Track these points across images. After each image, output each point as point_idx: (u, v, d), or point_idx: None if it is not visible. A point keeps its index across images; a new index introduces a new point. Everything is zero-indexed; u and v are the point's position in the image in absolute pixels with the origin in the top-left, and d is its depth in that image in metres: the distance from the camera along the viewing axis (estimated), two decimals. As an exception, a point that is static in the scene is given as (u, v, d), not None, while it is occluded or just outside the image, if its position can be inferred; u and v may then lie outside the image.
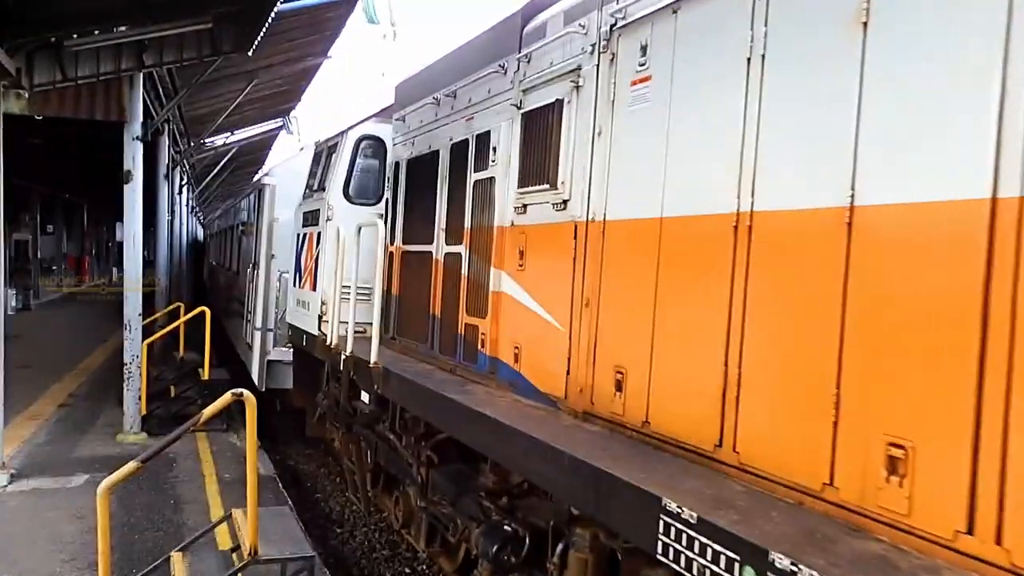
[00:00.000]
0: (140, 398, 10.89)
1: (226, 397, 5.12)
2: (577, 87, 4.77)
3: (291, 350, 10.84)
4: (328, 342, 7.31)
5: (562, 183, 4.83)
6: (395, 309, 7.29)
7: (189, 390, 12.31)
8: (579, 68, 4.76)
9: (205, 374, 12.20)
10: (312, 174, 9.49)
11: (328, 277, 7.94)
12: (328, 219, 8.28)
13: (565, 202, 4.81)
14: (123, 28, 9.14)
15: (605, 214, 4.46)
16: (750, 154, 3.51)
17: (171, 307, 15.63)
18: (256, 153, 30.61)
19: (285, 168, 13.86)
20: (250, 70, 16.84)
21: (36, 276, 31.92)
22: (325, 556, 7.55)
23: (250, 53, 9.83)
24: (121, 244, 11.37)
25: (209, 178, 28.44)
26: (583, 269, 4.63)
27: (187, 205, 25.54)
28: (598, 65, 4.61)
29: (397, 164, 7.56)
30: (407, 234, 7.21)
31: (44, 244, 34.95)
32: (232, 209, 20.27)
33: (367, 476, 7.74)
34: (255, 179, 25.59)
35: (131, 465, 4.81)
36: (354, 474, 7.80)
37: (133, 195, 10.58)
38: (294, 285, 9.86)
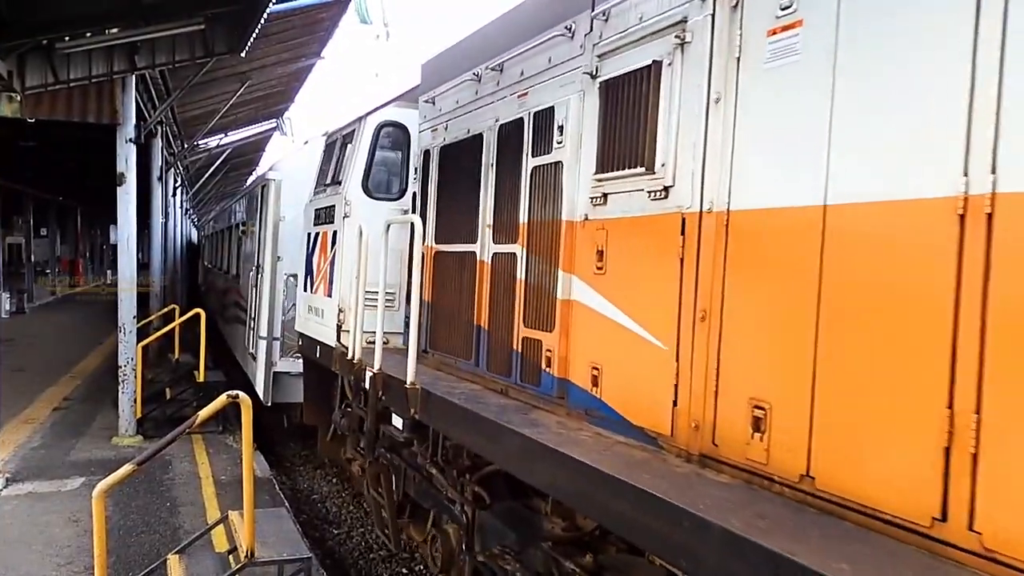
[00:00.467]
0: (135, 401, 10.43)
1: (221, 399, 4.96)
2: (682, 44, 3.57)
3: (300, 361, 9.48)
4: (350, 355, 6.03)
5: (662, 165, 3.64)
6: (427, 319, 6.02)
7: (185, 392, 11.78)
8: (684, 20, 3.57)
9: (201, 376, 11.59)
10: (324, 167, 8.10)
11: (348, 281, 6.65)
12: (345, 216, 6.95)
13: (667, 189, 3.61)
14: (115, 30, 8.51)
15: (728, 202, 3.27)
16: (986, 114, 2.36)
17: (165, 309, 14.97)
18: (250, 155, 29.78)
19: (290, 163, 12.36)
20: (243, 71, 16.32)
21: (31, 279, 30.62)
22: (322, 557, 7.28)
23: (243, 54, 9.41)
24: (115, 247, 10.71)
25: (203, 180, 27.25)
26: (695, 272, 3.44)
27: (181, 207, 24.41)
28: (713, 14, 3.42)
29: (427, 152, 6.25)
30: (441, 232, 5.92)
31: (38, 247, 33.52)
32: (230, 209, 18.78)
33: (395, 508, 6.45)
34: (251, 178, 24.33)
35: (127, 468, 4.64)
36: (381, 508, 6.50)
37: (126, 197, 10.17)
38: (304, 290, 8.46)
